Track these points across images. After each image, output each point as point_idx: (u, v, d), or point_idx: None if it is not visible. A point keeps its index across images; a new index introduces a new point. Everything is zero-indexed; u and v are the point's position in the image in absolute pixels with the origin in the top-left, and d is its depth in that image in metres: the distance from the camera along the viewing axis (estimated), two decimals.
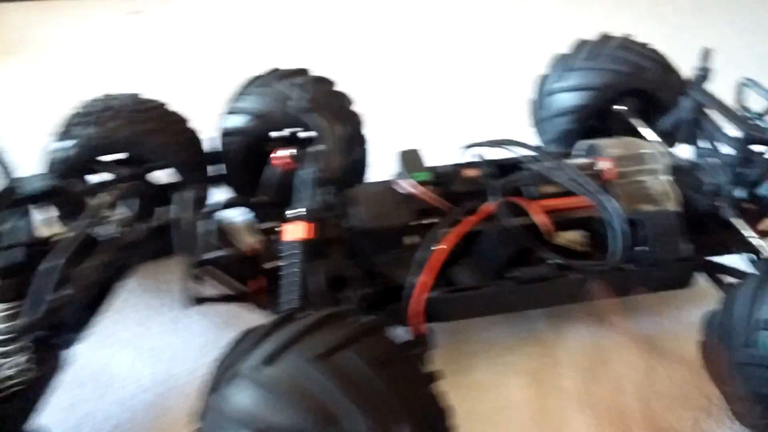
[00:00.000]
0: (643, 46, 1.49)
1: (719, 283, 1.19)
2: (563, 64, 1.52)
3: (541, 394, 1.18)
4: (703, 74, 1.25)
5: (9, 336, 0.93)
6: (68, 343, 1.03)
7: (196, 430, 0.88)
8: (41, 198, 1.10)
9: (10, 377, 0.93)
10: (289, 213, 1.01)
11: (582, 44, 1.52)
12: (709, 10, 2.77)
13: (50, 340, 1.00)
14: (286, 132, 1.38)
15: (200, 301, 1.07)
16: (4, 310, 0.95)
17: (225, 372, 0.86)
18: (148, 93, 1.38)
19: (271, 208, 1.20)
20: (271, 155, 1.17)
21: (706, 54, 1.25)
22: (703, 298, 1.25)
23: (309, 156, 1.15)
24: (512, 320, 1.31)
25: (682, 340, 1.23)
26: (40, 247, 1.03)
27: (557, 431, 1.12)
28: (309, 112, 1.12)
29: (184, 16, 2.86)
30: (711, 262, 1.21)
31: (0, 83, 1.80)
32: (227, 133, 1.39)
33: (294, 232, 1.00)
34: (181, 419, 1.04)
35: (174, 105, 1.40)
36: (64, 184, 1.10)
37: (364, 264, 1.11)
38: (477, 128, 1.79)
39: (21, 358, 0.95)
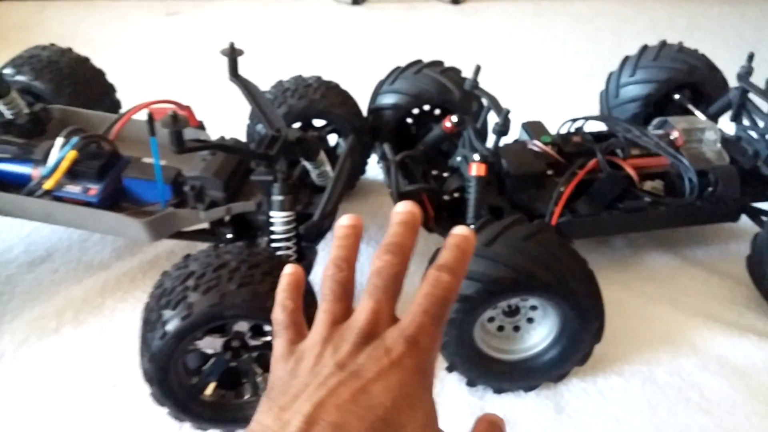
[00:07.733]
0: (695, 51, 1.96)
1: (759, 220, 1.66)
2: (631, 63, 1.99)
3: (629, 295, 1.64)
4: (748, 70, 1.72)
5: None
6: None
7: None
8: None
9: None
10: (474, 156, 1.46)
11: (645, 48, 1.99)
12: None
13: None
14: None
15: None
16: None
17: None
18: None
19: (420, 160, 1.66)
20: (444, 121, 1.62)
21: (751, 56, 1.73)
22: (742, 235, 1.77)
23: (469, 121, 1.60)
24: (597, 248, 1.78)
25: (731, 262, 1.73)
26: None
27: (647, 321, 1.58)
28: (478, 89, 1.57)
29: (217, 18, 3.25)
30: (752, 206, 1.68)
31: None
32: (382, 108, 1.84)
33: (478, 169, 1.45)
34: None
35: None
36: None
37: (510, 199, 1.56)
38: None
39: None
